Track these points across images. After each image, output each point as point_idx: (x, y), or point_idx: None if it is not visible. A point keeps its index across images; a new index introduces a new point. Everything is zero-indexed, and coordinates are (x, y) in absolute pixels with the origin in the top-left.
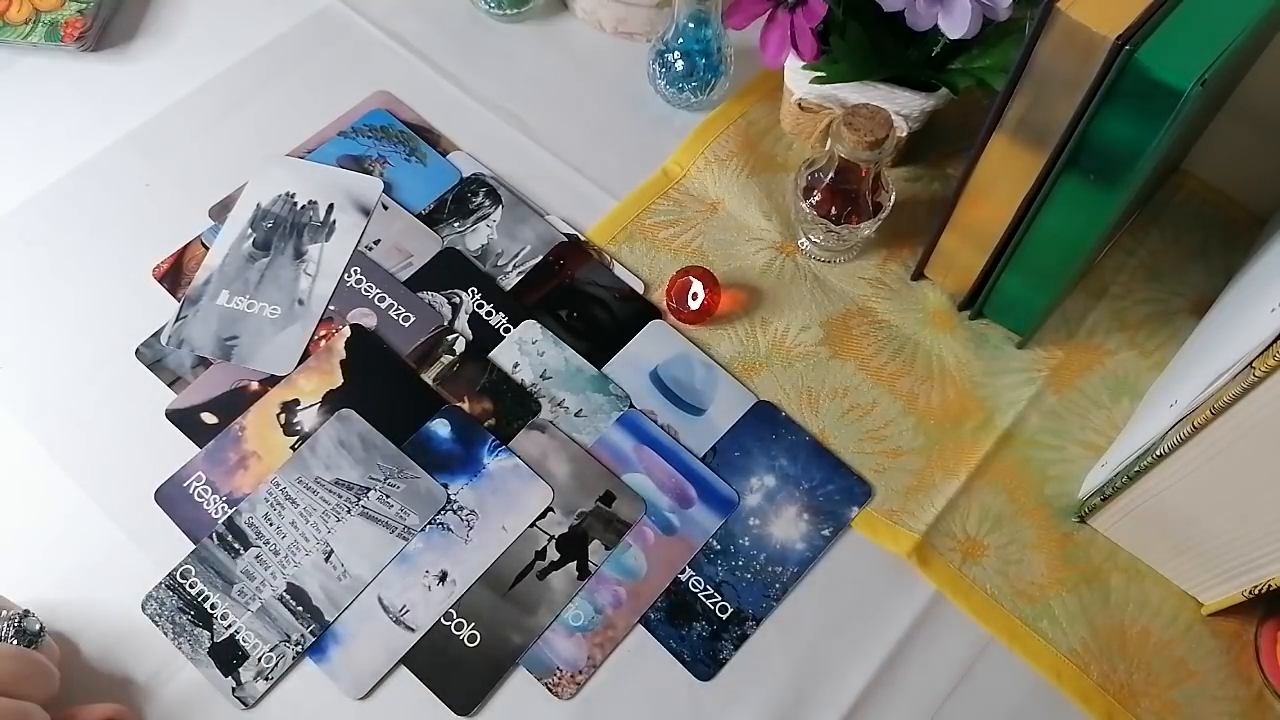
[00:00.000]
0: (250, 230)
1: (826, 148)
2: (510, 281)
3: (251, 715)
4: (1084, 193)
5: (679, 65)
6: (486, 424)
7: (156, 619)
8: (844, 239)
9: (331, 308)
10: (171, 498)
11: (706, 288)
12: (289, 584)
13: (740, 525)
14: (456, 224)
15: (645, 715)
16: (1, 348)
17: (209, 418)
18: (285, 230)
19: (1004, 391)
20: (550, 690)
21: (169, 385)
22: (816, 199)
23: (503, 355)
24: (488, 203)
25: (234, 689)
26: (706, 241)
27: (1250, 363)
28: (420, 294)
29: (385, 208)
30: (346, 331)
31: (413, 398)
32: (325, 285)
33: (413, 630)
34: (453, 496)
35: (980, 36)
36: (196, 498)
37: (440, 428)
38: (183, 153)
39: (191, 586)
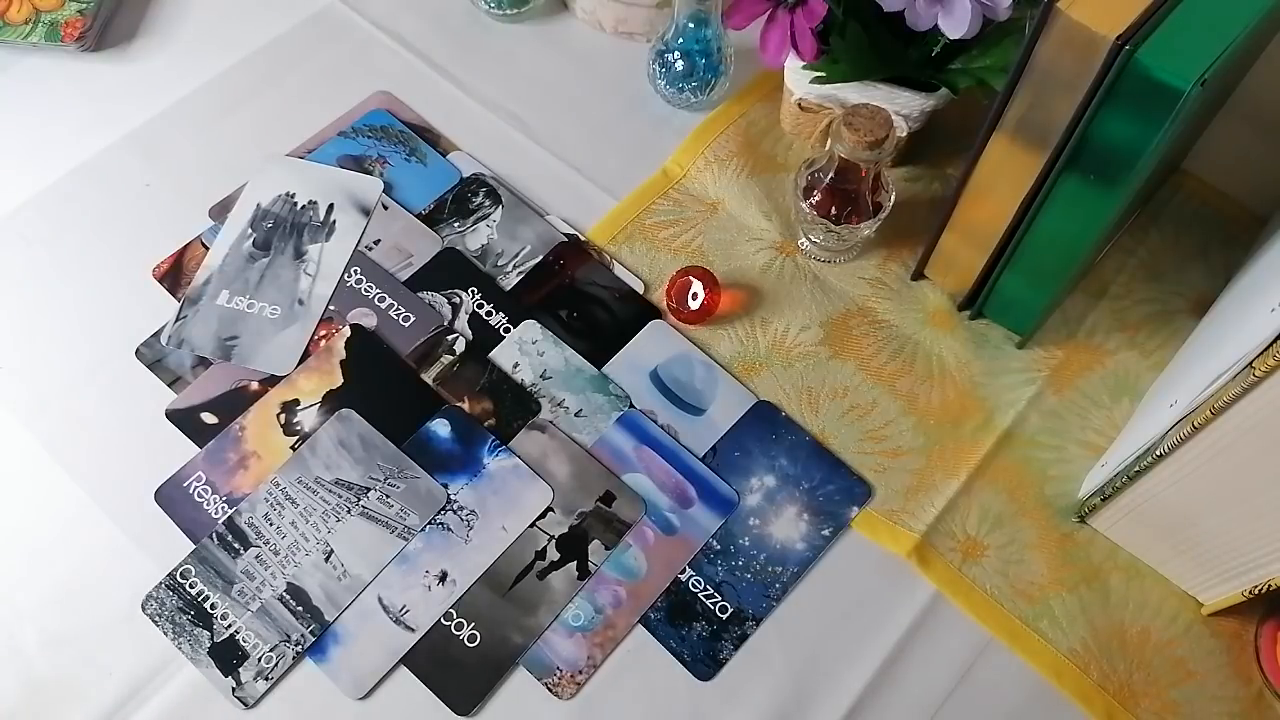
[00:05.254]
0: (250, 230)
1: (826, 148)
2: (510, 281)
3: (251, 715)
4: (1084, 193)
5: (679, 65)
6: (486, 424)
7: (156, 619)
8: (844, 239)
9: (331, 308)
10: (171, 498)
11: (706, 288)
12: (289, 584)
13: (740, 525)
14: (456, 224)
15: (645, 715)
16: (1, 348)
17: (209, 418)
18: (285, 230)
19: (1004, 391)
20: (550, 690)
21: (169, 385)
22: (816, 199)
23: (503, 355)
24: (488, 203)
25: (234, 689)
26: (706, 241)
27: (1250, 363)
28: (420, 294)
29: (385, 208)
30: (346, 331)
31: (413, 398)
32: (325, 285)
33: (413, 630)
34: (453, 496)
35: (980, 36)
36: (196, 498)
37: (440, 428)
38: (183, 153)
39: (191, 586)
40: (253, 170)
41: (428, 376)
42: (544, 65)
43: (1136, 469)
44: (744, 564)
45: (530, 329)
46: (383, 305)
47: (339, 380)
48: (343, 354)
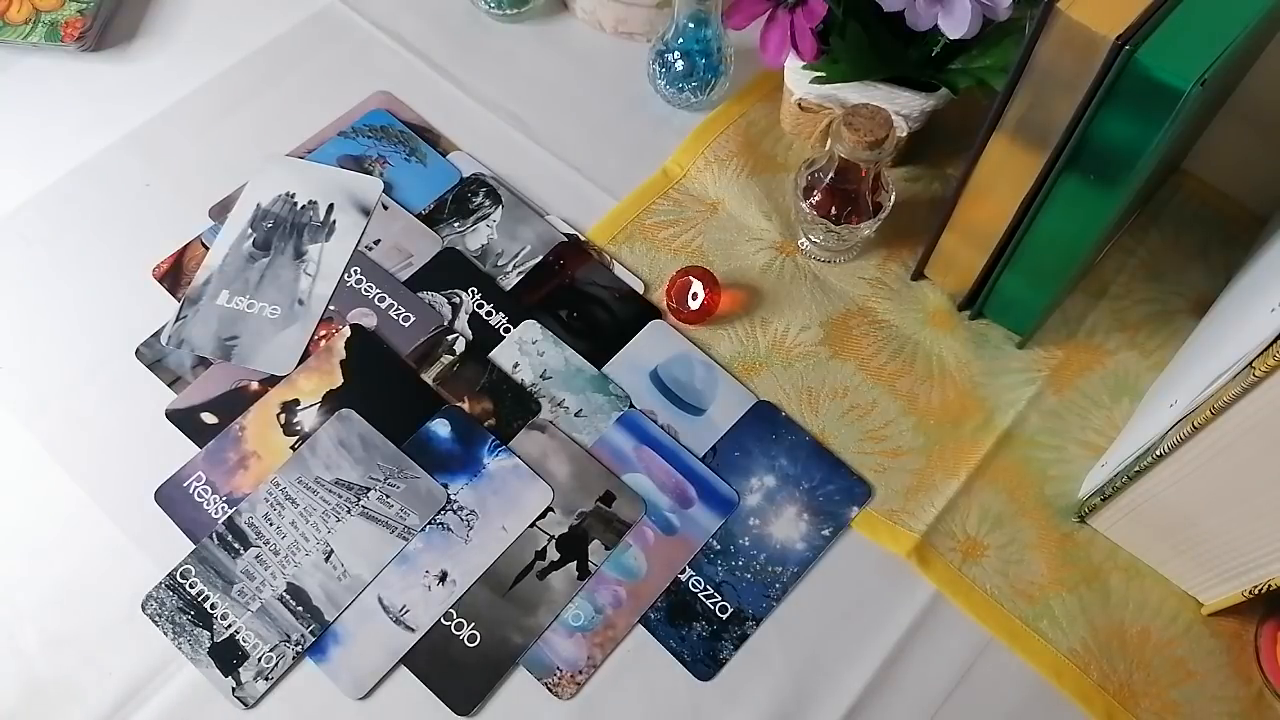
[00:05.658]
0: (250, 230)
1: (826, 148)
2: (510, 281)
3: (251, 715)
4: (1084, 193)
5: (679, 65)
6: (486, 424)
7: (156, 619)
8: (844, 239)
9: (331, 308)
10: (171, 498)
11: (706, 288)
12: (289, 584)
13: (740, 525)
14: (456, 224)
15: (645, 715)
16: (1, 348)
17: (209, 418)
18: (285, 230)
19: (1004, 391)
20: (550, 690)
21: (169, 385)
22: (816, 199)
23: (503, 355)
24: (488, 203)
25: (234, 689)
26: (706, 241)
27: (1250, 363)
28: (420, 294)
29: (385, 208)
30: (346, 331)
31: (413, 398)
32: (325, 285)
33: (413, 630)
34: (453, 496)
35: (980, 36)
36: (196, 498)
37: (440, 428)
38: (183, 153)
39: (191, 586)
40: (253, 170)
41: (428, 376)
42: (544, 65)
43: (1136, 469)
44: (744, 564)
45: (530, 329)
46: (383, 305)
47: (339, 380)
48: (343, 354)
